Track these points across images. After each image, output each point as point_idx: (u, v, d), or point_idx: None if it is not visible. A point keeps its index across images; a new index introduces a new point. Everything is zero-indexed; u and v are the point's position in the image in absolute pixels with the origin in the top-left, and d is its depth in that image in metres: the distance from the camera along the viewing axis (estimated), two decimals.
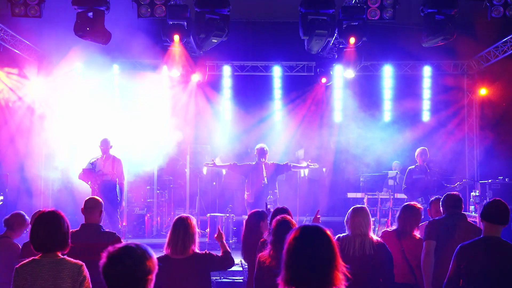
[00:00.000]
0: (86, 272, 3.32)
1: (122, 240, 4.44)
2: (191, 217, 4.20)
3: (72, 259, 3.34)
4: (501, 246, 3.75)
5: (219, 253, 4.51)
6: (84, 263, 3.36)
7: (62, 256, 3.34)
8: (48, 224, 3.33)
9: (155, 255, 2.24)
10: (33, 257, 3.32)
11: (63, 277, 3.23)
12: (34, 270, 3.25)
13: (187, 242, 4.04)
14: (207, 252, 4.26)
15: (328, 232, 2.27)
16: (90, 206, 4.56)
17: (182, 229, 4.05)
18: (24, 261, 3.33)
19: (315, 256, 2.16)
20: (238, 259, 8.07)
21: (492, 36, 10.97)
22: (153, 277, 2.20)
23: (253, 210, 5.44)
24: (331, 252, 2.19)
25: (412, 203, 5.20)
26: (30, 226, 3.54)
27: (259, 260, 4.02)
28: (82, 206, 4.59)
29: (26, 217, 5.31)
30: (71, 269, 3.27)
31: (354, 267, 4.13)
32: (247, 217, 5.35)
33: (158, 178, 10.81)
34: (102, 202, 4.69)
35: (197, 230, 4.17)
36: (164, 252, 4.12)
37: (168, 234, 4.13)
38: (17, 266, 3.34)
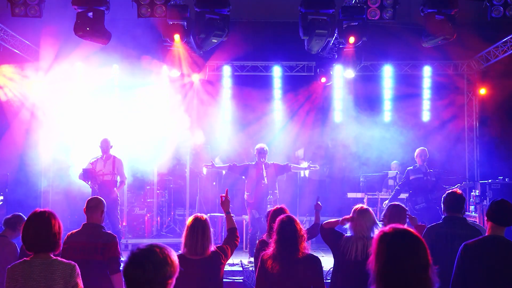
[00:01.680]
0: (78, 274, 3.28)
1: (119, 242, 4.47)
2: (206, 216, 4.13)
3: (64, 260, 3.32)
4: (505, 245, 3.75)
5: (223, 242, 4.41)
6: (76, 264, 3.33)
7: (55, 257, 3.31)
8: (39, 224, 3.31)
9: (176, 259, 2.24)
10: (24, 258, 3.30)
11: (55, 278, 3.20)
12: (26, 271, 3.22)
13: (206, 243, 3.98)
14: (216, 248, 4.16)
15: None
16: (92, 206, 4.56)
17: (200, 229, 3.99)
18: (16, 262, 3.31)
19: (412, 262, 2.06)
20: (238, 259, 8.09)
21: (492, 36, 10.98)
22: (173, 281, 2.21)
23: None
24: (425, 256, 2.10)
25: (395, 202, 5.15)
26: None
27: (262, 259, 4.02)
28: (85, 206, 4.60)
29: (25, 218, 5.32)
30: (63, 270, 3.24)
31: (357, 270, 4.18)
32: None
33: (158, 178, 10.81)
34: (103, 202, 4.69)
35: (211, 229, 4.13)
36: (181, 251, 4.06)
37: (185, 234, 4.03)
38: (8, 267, 3.32)
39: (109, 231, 4.63)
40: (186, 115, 11.17)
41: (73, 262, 3.33)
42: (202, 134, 11.21)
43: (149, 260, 2.14)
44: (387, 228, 2.19)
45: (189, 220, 4.07)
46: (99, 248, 4.33)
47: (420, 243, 2.12)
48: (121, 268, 4.46)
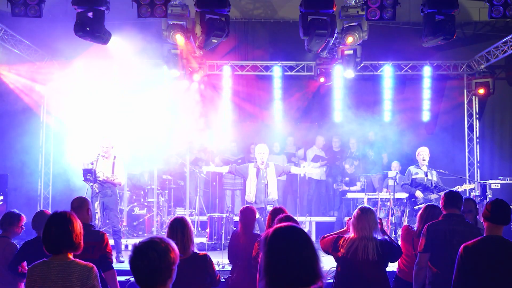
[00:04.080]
0: (95, 276, 3.28)
1: (119, 242, 4.48)
2: (186, 216, 4.22)
3: (82, 262, 3.31)
4: (503, 245, 3.77)
5: (218, 258, 4.50)
6: (94, 265, 3.34)
7: (73, 258, 3.31)
8: (62, 226, 3.30)
9: (176, 247, 2.44)
10: (44, 258, 3.30)
11: (72, 280, 3.20)
12: (44, 272, 3.23)
13: (186, 243, 4.03)
14: (208, 256, 4.19)
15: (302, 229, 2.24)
16: (76, 206, 4.57)
17: (179, 229, 4.05)
18: (35, 262, 3.31)
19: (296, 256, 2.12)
20: None
21: (492, 36, 10.99)
22: (175, 267, 2.42)
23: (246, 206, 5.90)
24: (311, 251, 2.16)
25: (434, 203, 5.22)
26: (42, 227, 3.50)
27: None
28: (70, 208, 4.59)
29: (22, 214, 5.30)
30: (81, 272, 3.24)
31: (360, 270, 4.19)
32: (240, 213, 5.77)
33: (158, 178, 10.81)
34: (88, 200, 4.71)
35: (192, 229, 4.17)
36: None
37: (166, 236, 4.12)
38: (29, 267, 3.34)
39: (98, 229, 4.60)
40: (186, 115, 11.18)
41: (91, 264, 3.32)
42: (201, 134, 11.21)
43: (153, 249, 2.34)
44: (271, 228, 2.26)
45: (170, 221, 4.16)
46: (89, 247, 4.33)
47: (299, 238, 2.17)
48: (113, 265, 4.49)
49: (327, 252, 4.50)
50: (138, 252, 2.33)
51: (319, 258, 2.14)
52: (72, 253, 3.33)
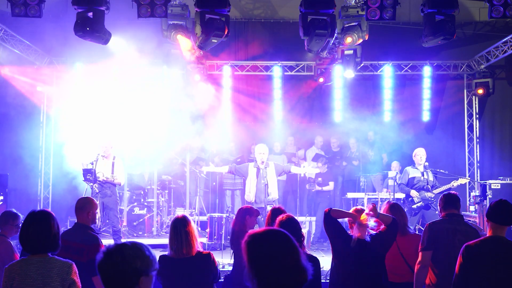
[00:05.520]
0: (75, 272, 3.27)
1: (100, 242, 4.45)
2: (187, 216, 4.22)
3: (62, 258, 3.30)
4: (506, 245, 3.77)
5: (218, 258, 4.50)
6: (74, 263, 3.32)
7: (52, 255, 3.30)
8: (39, 226, 3.29)
9: (154, 257, 2.25)
10: (22, 257, 3.30)
11: (52, 276, 3.19)
12: (22, 269, 3.21)
13: (191, 241, 4.04)
14: (211, 255, 4.19)
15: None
16: (78, 207, 4.58)
17: (182, 229, 4.05)
18: (13, 261, 3.31)
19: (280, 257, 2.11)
20: None
21: (492, 36, 10.99)
22: (147, 279, 2.20)
23: (243, 206, 5.74)
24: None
25: (394, 201, 5.16)
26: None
27: None
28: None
29: (18, 214, 5.29)
30: (60, 268, 3.23)
31: (357, 270, 4.18)
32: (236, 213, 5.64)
33: (158, 178, 10.82)
34: (93, 202, 4.66)
35: (195, 227, 4.18)
36: (168, 253, 4.12)
37: (170, 236, 4.11)
38: (5, 266, 3.31)
39: (95, 233, 4.52)
40: (186, 115, 11.17)
41: (70, 261, 3.31)
42: (202, 134, 11.21)
43: (118, 252, 2.17)
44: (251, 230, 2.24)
45: (171, 221, 4.16)
46: (79, 248, 4.31)
47: (278, 237, 2.15)
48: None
49: (329, 226, 4.29)
50: (104, 254, 2.20)
51: (303, 256, 2.14)
52: (51, 253, 3.31)
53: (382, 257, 4.32)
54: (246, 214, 5.31)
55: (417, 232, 5.97)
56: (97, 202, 8.12)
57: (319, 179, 10.34)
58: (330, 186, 10.53)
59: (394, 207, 4.92)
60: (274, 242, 2.14)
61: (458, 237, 4.44)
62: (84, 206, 4.57)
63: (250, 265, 2.13)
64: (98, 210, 8.14)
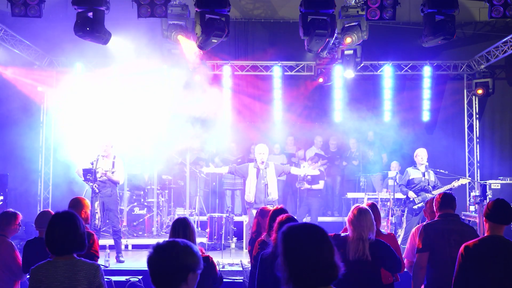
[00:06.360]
0: (102, 275, 3.25)
1: (95, 238, 4.48)
2: (188, 217, 4.21)
3: (88, 261, 3.28)
4: (505, 245, 3.77)
5: (218, 258, 4.48)
6: (100, 265, 3.32)
7: (78, 258, 3.27)
8: (66, 226, 3.25)
9: (200, 255, 2.33)
10: (48, 259, 3.26)
11: (79, 278, 3.17)
12: (50, 271, 3.18)
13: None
14: (210, 258, 4.17)
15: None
16: (70, 206, 4.63)
17: (181, 230, 4.04)
18: (40, 263, 3.26)
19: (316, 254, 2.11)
20: (238, 259, 8.09)
21: (492, 36, 11.00)
22: (194, 276, 2.28)
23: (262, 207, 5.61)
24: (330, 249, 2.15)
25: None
26: (43, 226, 3.45)
27: (261, 258, 4.02)
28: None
29: (18, 212, 5.29)
30: (88, 270, 3.21)
31: (354, 270, 4.17)
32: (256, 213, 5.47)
33: (158, 178, 10.81)
34: (85, 202, 4.71)
35: (195, 230, 4.17)
36: None
37: (169, 237, 4.12)
38: (32, 267, 3.28)
39: (89, 230, 4.54)
40: (185, 115, 11.17)
41: (97, 263, 3.31)
42: (202, 134, 11.21)
43: (171, 248, 2.26)
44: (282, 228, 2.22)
45: (172, 222, 4.16)
46: None
47: (318, 233, 2.14)
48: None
49: None
50: (155, 251, 2.26)
51: (337, 254, 2.15)
52: (77, 253, 3.29)
53: (382, 260, 4.31)
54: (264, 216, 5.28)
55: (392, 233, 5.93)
56: (97, 202, 8.20)
57: (309, 177, 10.07)
58: (320, 185, 10.20)
59: (372, 207, 4.87)
60: (311, 236, 2.14)
61: (453, 237, 4.47)
62: (77, 205, 4.64)
63: (284, 257, 2.13)
64: (98, 210, 8.15)
